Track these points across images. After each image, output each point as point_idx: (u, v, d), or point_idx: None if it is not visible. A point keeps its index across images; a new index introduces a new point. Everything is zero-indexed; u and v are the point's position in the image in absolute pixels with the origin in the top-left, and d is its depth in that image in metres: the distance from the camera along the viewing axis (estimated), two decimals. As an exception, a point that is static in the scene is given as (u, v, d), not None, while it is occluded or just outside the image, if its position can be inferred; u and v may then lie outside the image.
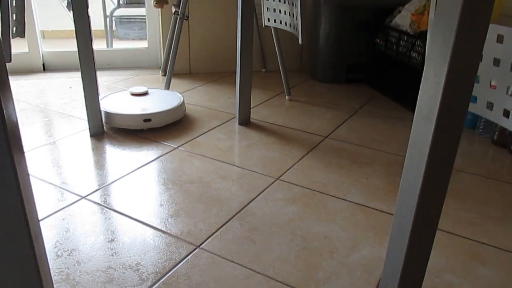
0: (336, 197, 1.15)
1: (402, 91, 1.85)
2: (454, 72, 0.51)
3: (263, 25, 1.71)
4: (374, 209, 1.11)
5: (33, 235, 0.49)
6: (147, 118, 1.49)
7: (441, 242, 0.98)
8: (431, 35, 0.53)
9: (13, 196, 0.45)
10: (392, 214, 1.08)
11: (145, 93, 1.67)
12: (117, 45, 3.12)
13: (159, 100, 1.62)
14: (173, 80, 2.05)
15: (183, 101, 1.63)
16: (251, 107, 1.67)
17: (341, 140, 1.50)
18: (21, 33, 1.24)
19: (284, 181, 1.22)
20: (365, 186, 1.21)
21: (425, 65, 0.56)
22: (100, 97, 1.49)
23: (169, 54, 2.12)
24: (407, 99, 1.82)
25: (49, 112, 1.67)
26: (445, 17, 0.51)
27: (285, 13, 1.57)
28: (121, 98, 1.64)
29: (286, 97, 1.90)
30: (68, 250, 0.93)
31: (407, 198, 0.61)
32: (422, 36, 1.69)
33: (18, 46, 2.09)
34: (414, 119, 0.58)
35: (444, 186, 0.59)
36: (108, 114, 1.50)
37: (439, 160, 0.56)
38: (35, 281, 0.52)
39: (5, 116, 0.44)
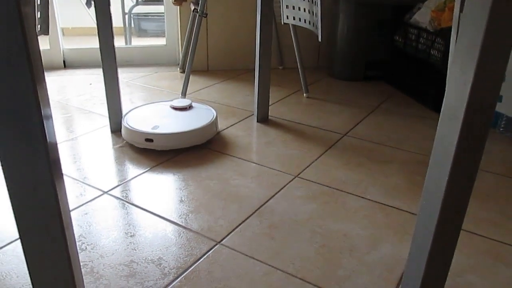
0: (355, 195, 1.15)
1: (422, 88, 1.84)
2: (482, 70, 0.51)
3: (282, 23, 1.71)
4: (393, 207, 1.10)
5: (65, 225, 0.51)
6: (148, 138, 1.34)
7: (463, 242, 0.98)
8: (459, 32, 0.53)
9: (48, 190, 0.47)
10: (412, 213, 1.08)
11: (187, 107, 1.50)
12: (136, 42, 3.15)
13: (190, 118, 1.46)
14: (191, 78, 2.07)
15: (213, 121, 1.42)
16: (269, 104, 1.68)
17: (360, 138, 1.50)
18: (45, 31, 1.26)
19: (303, 179, 1.22)
20: (384, 184, 1.21)
21: (451, 63, 0.56)
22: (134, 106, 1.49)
23: (187, 51, 2.14)
24: (426, 97, 1.81)
25: (70, 108, 1.70)
26: (474, 13, 0.50)
27: (304, 11, 1.57)
28: (157, 110, 1.51)
29: (304, 94, 1.90)
30: (91, 244, 0.94)
31: (432, 198, 0.61)
32: (442, 33, 1.67)
33: (39, 43, 2.13)
34: (440, 117, 0.58)
35: (470, 187, 0.59)
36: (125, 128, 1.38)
37: (465, 160, 0.56)
38: (66, 269, 0.53)
39: (45, 124, 0.45)
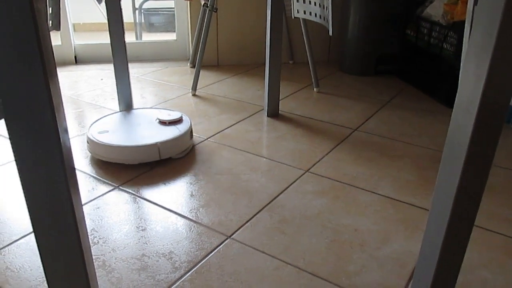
0: (366, 190, 1.15)
1: (434, 83, 1.82)
2: (497, 65, 0.50)
3: (292, 17, 1.70)
4: (404, 202, 1.09)
5: (78, 219, 0.51)
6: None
7: (475, 238, 0.97)
8: (472, 26, 0.52)
9: (61, 184, 0.47)
10: (424, 208, 1.07)
11: (176, 121, 1.35)
12: (146, 37, 3.16)
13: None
14: (201, 73, 2.07)
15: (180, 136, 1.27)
16: (279, 99, 1.67)
17: (371, 133, 1.49)
18: (56, 26, 1.27)
19: (314, 174, 1.22)
20: (395, 179, 1.20)
21: (464, 57, 0.55)
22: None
23: (197, 46, 2.14)
24: (439, 91, 1.79)
25: (81, 103, 1.71)
26: (488, 6, 0.50)
27: (315, 4, 1.56)
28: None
29: (314, 89, 1.89)
30: (103, 237, 0.95)
31: (444, 193, 0.60)
32: (455, 27, 1.65)
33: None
34: (453, 112, 0.57)
35: (483, 182, 0.58)
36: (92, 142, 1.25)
37: (479, 155, 0.55)
38: (79, 262, 0.54)
39: (57, 118, 0.45)
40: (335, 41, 2.27)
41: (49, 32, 0.47)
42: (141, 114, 1.42)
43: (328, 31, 1.47)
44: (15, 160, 0.48)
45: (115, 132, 1.29)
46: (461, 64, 0.55)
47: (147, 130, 1.31)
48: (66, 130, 0.48)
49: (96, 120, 1.37)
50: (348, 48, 2.12)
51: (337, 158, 1.31)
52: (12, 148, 0.47)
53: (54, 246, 0.53)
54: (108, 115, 1.42)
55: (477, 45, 0.51)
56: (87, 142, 1.28)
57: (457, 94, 0.56)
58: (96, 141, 1.24)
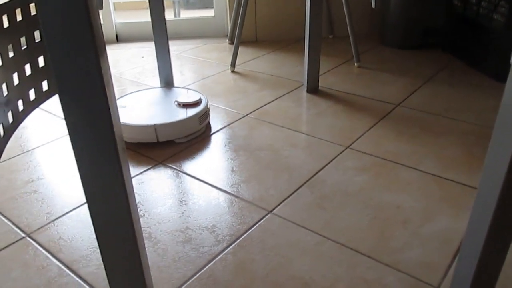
0: (408, 167, 1.12)
1: (482, 56, 1.74)
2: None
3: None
4: (449, 180, 1.07)
5: (128, 192, 0.53)
6: None
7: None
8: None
9: (113, 158, 0.49)
10: (469, 186, 1.04)
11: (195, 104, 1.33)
12: (184, 14, 3.17)
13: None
14: (239, 49, 2.07)
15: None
16: (319, 74, 1.65)
17: (414, 108, 1.45)
18: (99, 6, 1.30)
19: (354, 150, 1.21)
20: (439, 156, 1.17)
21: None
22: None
23: (236, 22, 2.13)
24: (487, 65, 1.71)
25: (124, 81, 1.76)
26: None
27: (356, -24, 1.51)
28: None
29: (355, 64, 1.85)
30: (148, 211, 0.99)
31: (494, 171, 0.58)
32: (507, -5, 1.56)
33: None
34: (506, 85, 0.55)
35: (537, 157, 0.56)
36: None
37: (534, 129, 0.53)
38: (130, 232, 0.56)
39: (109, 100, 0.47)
40: (377, 13, 2.20)
41: (98, 9, 0.48)
42: (167, 93, 1.44)
43: (371, 3, 1.42)
44: (69, 134, 0.50)
45: (129, 109, 1.32)
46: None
47: (159, 110, 1.31)
48: (115, 105, 0.50)
49: (123, 95, 1.40)
50: (390, 20, 2.05)
51: (378, 134, 1.29)
52: (66, 122, 0.49)
53: (107, 218, 0.55)
54: (139, 91, 1.45)
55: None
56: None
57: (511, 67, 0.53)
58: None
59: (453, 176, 1.08)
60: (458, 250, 0.85)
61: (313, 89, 1.60)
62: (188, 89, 1.44)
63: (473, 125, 1.33)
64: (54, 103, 1.55)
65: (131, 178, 0.57)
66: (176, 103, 1.35)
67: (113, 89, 0.50)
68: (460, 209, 0.96)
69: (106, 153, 0.50)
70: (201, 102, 1.34)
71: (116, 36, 2.28)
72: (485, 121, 1.35)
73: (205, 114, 1.32)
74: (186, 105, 1.32)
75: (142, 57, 2.03)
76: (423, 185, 1.05)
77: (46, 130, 1.37)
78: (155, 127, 1.23)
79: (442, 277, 0.79)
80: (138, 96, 1.41)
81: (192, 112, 1.28)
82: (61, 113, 1.48)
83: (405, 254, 0.84)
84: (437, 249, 0.85)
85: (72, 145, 0.50)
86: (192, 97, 1.35)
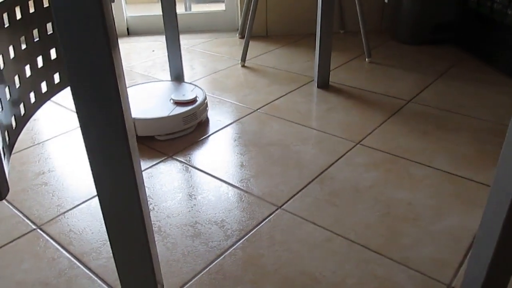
0: (420, 163, 1.11)
1: (496, 52, 1.71)
2: None
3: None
4: (461, 177, 1.05)
5: (138, 185, 0.53)
6: None
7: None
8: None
9: (123, 150, 0.49)
10: (482, 183, 1.03)
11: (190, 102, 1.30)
12: (195, 8, 3.16)
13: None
14: (250, 43, 2.06)
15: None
16: (330, 70, 1.64)
17: (426, 104, 1.43)
18: (111, -2, 1.29)
19: (365, 146, 1.20)
20: (451, 153, 1.15)
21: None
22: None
23: (246, 16, 2.12)
24: (500, 61, 1.68)
25: (134, 74, 1.76)
26: None
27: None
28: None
29: (366, 59, 1.84)
30: (158, 204, 0.99)
31: (509, 167, 0.57)
32: (523, -10, 1.53)
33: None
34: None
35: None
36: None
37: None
38: (140, 225, 0.56)
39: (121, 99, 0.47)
40: (389, 8, 2.17)
41: (110, 2, 0.48)
42: (171, 88, 1.42)
43: (383, -3, 1.40)
44: (80, 127, 0.50)
45: None
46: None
47: (151, 105, 1.29)
48: (127, 98, 0.50)
49: (128, 87, 1.40)
50: (402, 15, 2.02)
51: (389, 130, 1.28)
52: (77, 115, 0.49)
53: (117, 209, 0.55)
54: (145, 83, 1.45)
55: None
56: None
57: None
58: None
59: (465, 173, 1.07)
60: (469, 248, 0.84)
61: (324, 84, 1.59)
62: (195, 85, 1.43)
63: (486, 122, 1.31)
64: (64, 96, 1.56)
65: (141, 170, 0.57)
66: (171, 100, 1.33)
67: (125, 82, 0.49)
68: (472, 206, 0.95)
69: (117, 146, 0.50)
70: (195, 101, 1.31)
71: (127, 29, 2.28)
72: (498, 117, 1.33)
73: (193, 114, 1.28)
74: (178, 103, 1.30)
75: (153, 50, 2.03)
76: (435, 182, 1.04)
77: (57, 122, 1.38)
78: (134, 121, 1.22)
79: (453, 275, 0.78)
80: (141, 89, 1.41)
81: (177, 111, 1.25)
82: (71, 106, 1.49)
83: (416, 251, 0.83)
84: (449, 246, 0.84)
85: (84, 138, 0.50)
86: (188, 95, 1.32)
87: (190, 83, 1.46)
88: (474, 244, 0.68)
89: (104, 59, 0.45)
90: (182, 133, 1.29)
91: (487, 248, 0.65)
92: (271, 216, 0.94)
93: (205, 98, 1.34)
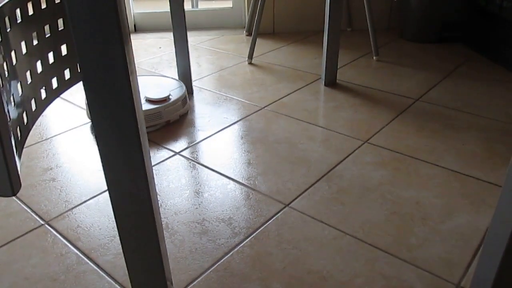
0: (428, 162, 1.11)
1: (505, 51, 1.70)
2: None
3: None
4: (470, 176, 1.05)
5: (149, 179, 0.53)
6: None
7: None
8: None
9: (134, 144, 0.49)
10: (491, 183, 1.02)
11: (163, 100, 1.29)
12: (202, 5, 3.16)
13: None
14: (257, 41, 2.05)
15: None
16: (337, 68, 1.63)
17: (434, 103, 1.42)
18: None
19: (373, 144, 1.19)
20: (460, 152, 1.15)
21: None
22: None
23: (253, 14, 2.12)
24: (510, 59, 1.67)
25: (141, 71, 1.76)
26: None
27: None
28: None
29: (374, 57, 1.83)
30: (165, 201, 0.99)
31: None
32: (533, -12, 1.52)
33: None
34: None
35: None
36: None
37: None
38: (150, 220, 0.56)
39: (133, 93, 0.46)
40: (397, 6, 2.16)
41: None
42: (154, 84, 1.40)
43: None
44: (92, 122, 0.50)
45: None
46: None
47: None
48: (138, 94, 0.50)
49: None
50: (411, 13, 2.01)
51: (397, 129, 1.27)
52: (89, 110, 0.49)
53: (127, 205, 0.55)
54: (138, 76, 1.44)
55: None
56: None
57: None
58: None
59: (474, 172, 1.06)
60: (479, 247, 0.83)
61: (331, 82, 1.59)
62: (182, 84, 1.41)
63: (495, 121, 1.30)
64: (73, 92, 1.56)
65: (151, 166, 0.57)
66: (145, 97, 1.31)
67: (137, 78, 0.49)
68: (481, 206, 0.95)
69: (128, 142, 0.50)
70: (166, 101, 1.28)
71: (134, 26, 2.28)
72: (507, 116, 1.32)
73: (156, 114, 1.25)
74: (150, 101, 1.29)
75: (160, 47, 2.03)
76: (443, 181, 1.03)
77: (65, 118, 1.38)
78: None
79: (462, 275, 0.78)
80: None
81: (143, 108, 1.23)
82: (79, 102, 1.49)
83: (424, 250, 0.83)
84: (458, 246, 0.84)
85: (95, 132, 0.50)
86: (162, 94, 1.29)
87: (178, 81, 1.44)
88: (484, 245, 0.68)
89: (117, 55, 0.45)
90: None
91: (498, 248, 0.65)
92: (278, 214, 0.94)
93: (182, 99, 1.33)
